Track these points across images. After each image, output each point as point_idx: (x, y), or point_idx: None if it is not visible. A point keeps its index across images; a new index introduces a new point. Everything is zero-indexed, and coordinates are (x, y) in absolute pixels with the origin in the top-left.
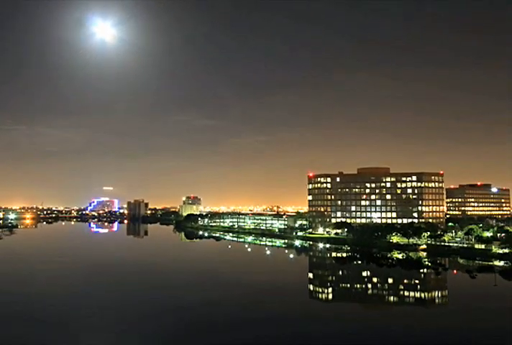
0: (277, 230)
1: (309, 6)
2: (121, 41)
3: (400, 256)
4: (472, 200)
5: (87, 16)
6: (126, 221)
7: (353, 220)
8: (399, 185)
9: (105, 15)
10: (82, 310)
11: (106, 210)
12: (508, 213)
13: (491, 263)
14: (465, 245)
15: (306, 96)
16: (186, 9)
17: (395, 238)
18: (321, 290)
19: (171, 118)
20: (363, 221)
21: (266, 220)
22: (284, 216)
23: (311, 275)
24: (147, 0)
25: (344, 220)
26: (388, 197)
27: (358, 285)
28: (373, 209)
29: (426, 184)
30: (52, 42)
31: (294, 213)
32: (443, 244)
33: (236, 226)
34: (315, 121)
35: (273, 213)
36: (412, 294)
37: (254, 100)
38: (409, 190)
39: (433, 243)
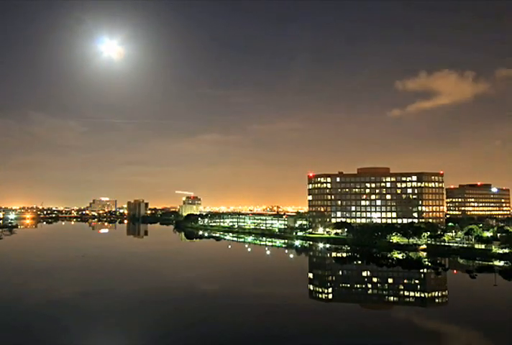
0: (277, 230)
1: None
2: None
3: (400, 256)
4: (472, 200)
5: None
6: (126, 221)
7: (353, 220)
8: (399, 185)
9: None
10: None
11: (106, 210)
12: (508, 213)
13: (491, 263)
14: (465, 245)
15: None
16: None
17: (395, 238)
18: (321, 290)
19: (171, 122)
20: (363, 221)
21: (266, 220)
22: (284, 216)
23: (311, 275)
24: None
25: (344, 220)
26: (388, 197)
27: (358, 285)
28: (373, 209)
29: (426, 184)
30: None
31: (294, 213)
32: (443, 244)
33: (236, 226)
34: (315, 120)
35: (273, 213)
36: (412, 294)
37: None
38: (409, 190)
39: (433, 243)
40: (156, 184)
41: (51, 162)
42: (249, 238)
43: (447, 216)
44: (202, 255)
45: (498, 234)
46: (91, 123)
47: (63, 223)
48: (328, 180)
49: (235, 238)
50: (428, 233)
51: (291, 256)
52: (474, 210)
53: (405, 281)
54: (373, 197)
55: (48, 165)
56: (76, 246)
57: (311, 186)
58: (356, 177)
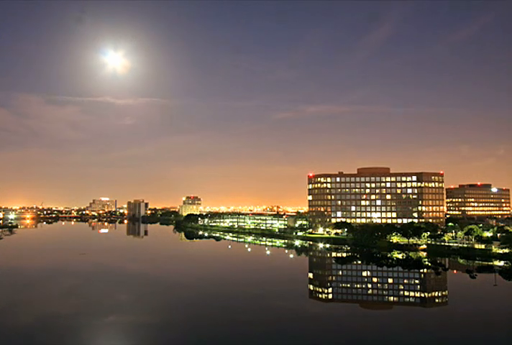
0: (277, 230)
1: None
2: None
3: (400, 256)
4: (472, 200)
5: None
6: (126, 221)
7: (353, 220)
8: (399, 185)
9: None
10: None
11: (106, 210)
12: (508, 213)
13: (491, 263)
14: (465, 245)
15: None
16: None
17: (395, 238)
18: (321, 290)
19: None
20: (363, 221)
21: (266, 220)
22: (284, 216)
23: (311, 275)
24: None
25: (344, 220)
26: (388, 197)
27: (358, 285)
28: (373, 209)
29: (426, 184)
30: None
31: (294, 213)
32: (443, 244)
33: (236, 226)
34: (315, 120)
35: (273, 213)
36: (412, 294)
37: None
38: (409, 190)
39: (433, 243)
40: (156, 184)
41: (50, 160)
42: (249, 238)
43: (447, 216)
44: (202, 255)
45: (498, 234)
46: (90, 107)
47: (63, 223)
48: (329, 180)
49: (235, 238)
50: (428, 233)
51: (291, 256)
52: (474, 210)
53: (405, 281)
54: (373, 197)
55: (47, 163)
56: (76, 247)
57: (311, 186)
58: (356, 177)
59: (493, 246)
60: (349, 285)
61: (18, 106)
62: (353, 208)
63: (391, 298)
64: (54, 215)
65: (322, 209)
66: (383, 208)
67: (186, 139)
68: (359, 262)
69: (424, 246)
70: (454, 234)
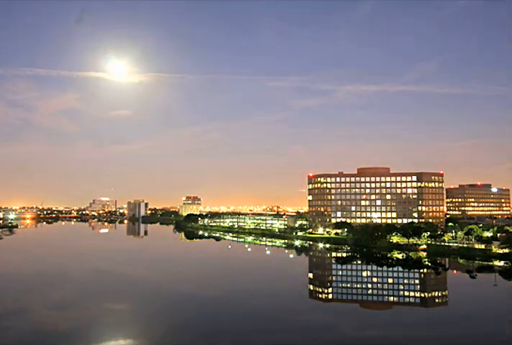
0: (277, 230)
1: None
2: None
3: (400, 256)
4: (472, 200)
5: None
6: (126, 221)
7: (353, 220)
8: (399, 185)
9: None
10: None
11: (106, 210)
12: (508, 213)
13: (491, 263)
14: (465, 245)
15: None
16: None
17: (395, 238)
18: (321, 290)
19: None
20: (363, 221)
21: (266, 220)
22: (284, 216)
23: (310, 275)
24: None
25: (344, 220)
26: (388, 197)
27: (358, 285)
28: (373, 209)
29: (426, 184)
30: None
31: (294, 213)
32: (443, 244)
33: (236, 226)
34: (314, 120)
35: (273, 213)
36: (412, 294)
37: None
38: (409, 190)
39: (433, 243)
40: (156, 184)
41: (48, 157)
42: (249, 238)
43: (447, 216)
44: (202, 255)
45: (498, 234)
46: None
47: (63, 223)
48: (329, 180)
49: (235, 238)
50: (428, 233)
51: (291, 256)
52: (474, 210)
53: (405, 281)
54: (373, 197)
55: (46, 161)
56: (76, 248)
57: (311, 186)
58: (356, 177)
59: (493, 246)
60: (349, 285)
61: (11, 94)
62: (353, 208)
63: (391, 298)
64: (54, 215)
65: (322, 209)
66: (383, 208)
67: (187, 133)
68: (359, 262)
69: (424, 246)
70: (454, 234)
